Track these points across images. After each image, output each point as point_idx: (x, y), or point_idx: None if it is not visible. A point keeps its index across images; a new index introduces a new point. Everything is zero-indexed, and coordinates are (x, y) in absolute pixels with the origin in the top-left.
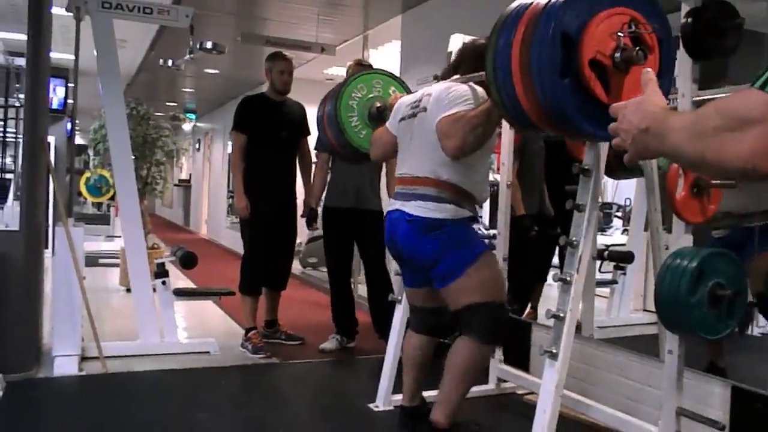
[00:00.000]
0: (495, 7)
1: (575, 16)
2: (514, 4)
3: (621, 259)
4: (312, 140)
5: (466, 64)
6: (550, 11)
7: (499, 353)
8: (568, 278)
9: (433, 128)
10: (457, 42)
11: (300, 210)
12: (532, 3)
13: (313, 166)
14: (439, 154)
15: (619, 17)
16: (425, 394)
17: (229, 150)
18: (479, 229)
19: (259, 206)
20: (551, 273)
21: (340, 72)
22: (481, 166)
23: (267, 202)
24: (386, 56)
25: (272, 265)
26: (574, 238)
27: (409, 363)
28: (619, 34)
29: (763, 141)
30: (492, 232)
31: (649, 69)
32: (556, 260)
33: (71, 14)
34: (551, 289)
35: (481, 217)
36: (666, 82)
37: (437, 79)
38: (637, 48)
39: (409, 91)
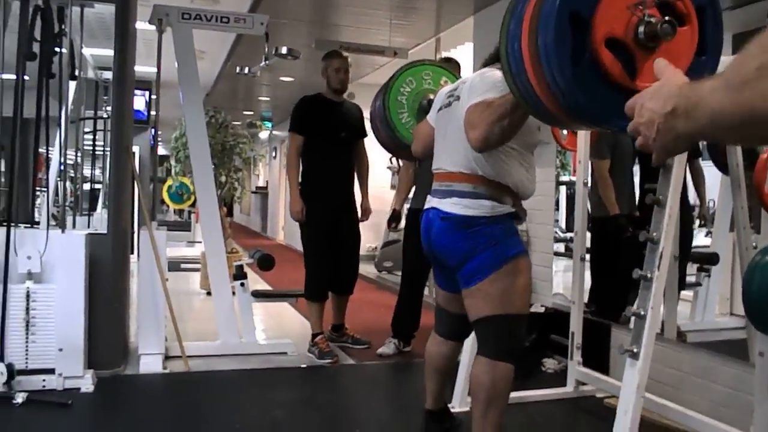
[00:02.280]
0: None
1: None
2: None
3: (705, 260)
4: (379, 148)
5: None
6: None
7: (577, 354)
8: (649, 275)
9: (462, 118)
10: None
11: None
12: None
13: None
14: (475, 153)
15: None
16: None
17: None
18: (520, 229)
19: (317, 209)
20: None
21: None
22: (522, 160)
23: (325, 205)
24: (460, 58)
25: (337, 269)
26: (654, 234)
27: (433, 368)
28: (639, 6)
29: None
30: (569, 235)
31: (661, 58)
32: None
33: (154, 27)
34: None
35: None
36: (710, 61)
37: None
38: (665, 19)
39: (456, 78)
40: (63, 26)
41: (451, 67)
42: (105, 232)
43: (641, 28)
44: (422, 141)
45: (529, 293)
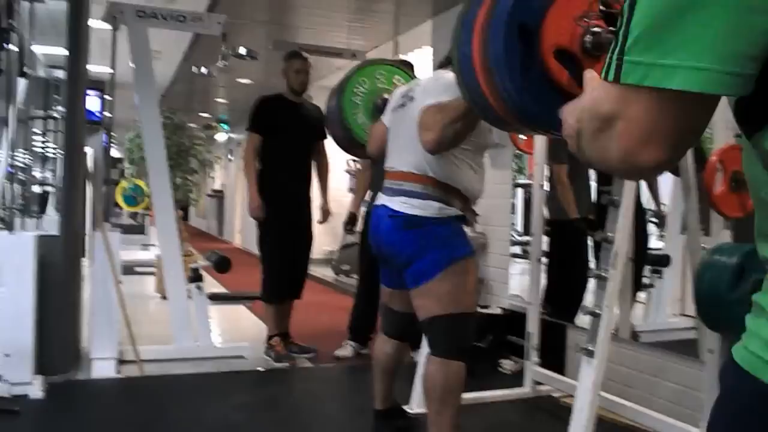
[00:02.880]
0: None
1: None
2: None
3: (657, 262)
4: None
5: None
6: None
7: (534, 355)
8: (604, 274)
9: (416, 119)
10: None
11: (315, 215)
12: None
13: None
14: (426, 154)
15: None
16: None
17: None
18: (468, 231)
19: (275, 209)
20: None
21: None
22: (472, 162)
23: (283, 205)
24: (418, 62)
25: (287, 273)
26: (609, 234)
27: (380, 368)
28: (585, 18)
29: (626, 136)
30: (526, 238)
31: (589, 69)
32: None
33: (108, 27)
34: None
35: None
36: None
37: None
38: (609, 29)
39: (411, 78)
40: (12, 21)
41: (406, 68)
42: (56, 233)
43: (587, 38)
44: (377, 141)
45: (476, 293)
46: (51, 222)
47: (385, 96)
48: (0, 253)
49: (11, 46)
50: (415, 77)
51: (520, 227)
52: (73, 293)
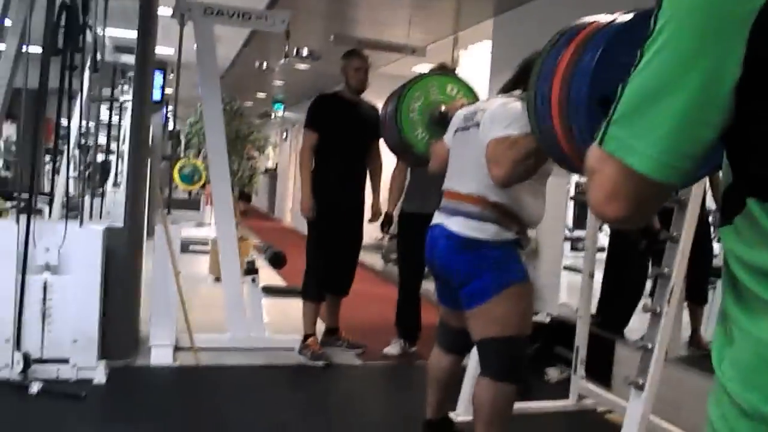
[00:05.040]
0: (594, 14)
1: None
2: (579, 21)
3: (712, 274)
4: None
5: (525, 78)
6: (589, 58)
7: (581, 369)
8: (658, 309)
9: (483, 147)
10: None
11: (367, 214)
12: (590, 23)
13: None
14: (488, 176)
15: None
16: None
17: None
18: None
19: (326, 209)
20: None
21: (427, 69)
22: (534, 189)
23: (334, 205)
24: (476, 57)
25: (336, 270)
26: (665, 269)
27: (435, 382)
28: None
29: (598, 189)
30: (577, 233)
31: None
32: None
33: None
34: None
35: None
36: None
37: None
38: None
39: (466, 85)
40: (87, 18)
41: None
42: (122, 225)
43: None
44: (439, 159)
45: (530, 317)
46: (113, 200)
47: (442, 107)
48: (70, 244)
49: (87, 40)
50: (463, 83)
51: (570, 222)
52: (134, 282)
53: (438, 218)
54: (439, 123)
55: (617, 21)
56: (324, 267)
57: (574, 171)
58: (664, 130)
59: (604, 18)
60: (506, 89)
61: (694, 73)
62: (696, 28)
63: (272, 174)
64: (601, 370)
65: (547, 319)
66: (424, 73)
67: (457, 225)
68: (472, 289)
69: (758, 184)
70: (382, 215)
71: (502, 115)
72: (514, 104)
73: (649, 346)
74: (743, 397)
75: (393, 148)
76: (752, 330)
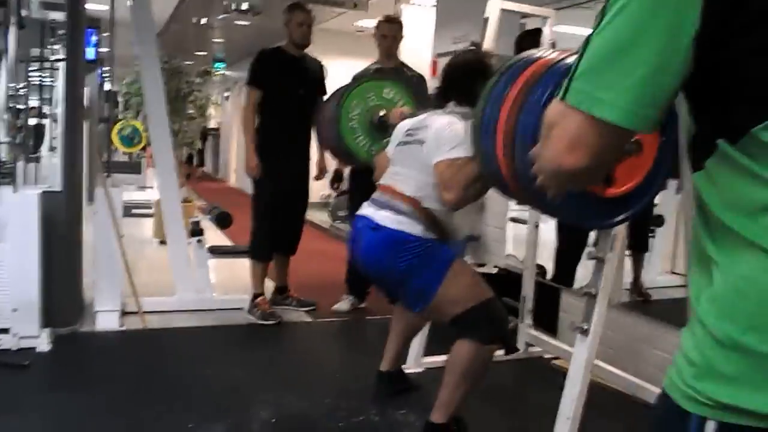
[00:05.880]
0: None
1: None
2: (525, 54)
3: (652, 223)
4: None
5: (455, 89)
6: (541, 89)
7: (528, 317)
8: (602, 256)
9: (428, 164)
10: (494, 7)
11: (313, 172)
12: (538, 59)
13: None
14: (427, 186)
15: None
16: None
17: None
18: None
19: (272, 167)
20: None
21: (370, 24)
22: (468, 208)
23: (280, 163)
24: (419, 10)
25: (283, 229)
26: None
27: (397, 335)
28: None
29: (558, 140)
30: None
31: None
32: None
33: None
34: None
35: None
36: (663, 169)
37: (471, 50)
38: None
39: (403, 87)
40: None
41: (394, 27)
42: (59, 189)
43: None
44: (382, 171)
45: (480, 281)
46: (49, 165)
47: (381, 113)
48: (5, 210)
49: None
50: (399, 85)
51: None
52: (75, 247)
53: (365, 209)
54: (379, 129)
55: (568, 61)
56: (271, 226)
57: (508, 195)
58: (631, 81)
59: (553, 55)
60: (438, 101)
61: (658, 27)
62: None
63: (215, 134)
64: (547, 319)
65: (495, 271)
66: (361, 78)
67: (384, 218)
68: (413, 290)
69: (725, 128)
70: (329, 172)
71: (447, 137)
72: (459, 125)
73: (593, 292)
74: (719, 328)
75: (334, 154)
76: (731, 266)
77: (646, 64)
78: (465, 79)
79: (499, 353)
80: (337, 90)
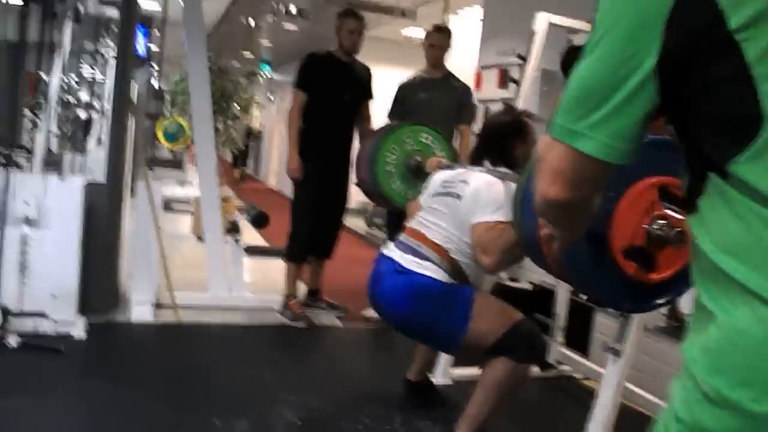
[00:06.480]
0: None
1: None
2: None
3: None
4: (383, 106)
5: (491, 150)
6: None
7: (560, 336)
8: None
9: (463, 220)
10: (542, 21)
11: (353, 177)
12: None
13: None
14: (458, 240)
15: (649, 192)
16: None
17: None
18: None
19: (313, 170)
20: None
21: (418, 33)
22: None
23: (321, 167)
24: (466, 21)
25: (320, 233)
26: None
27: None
28: (651, 221)
29: (543, 174)
30: None
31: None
32: None
33: None
34: None
35: None
36: None
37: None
38: (676, 229)
39: (440, 134)
40: None
41: (443, 36)
42: (103, 181)
43: (653, 233)
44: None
45: (506, 307)
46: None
47: (417, 158)
48: (50, 198)
49: None
50: (436, 133)
51: None
52: (114, 238)
53: (390, 251)
54: (415, 173)
55: None
56: (308, 229)
57: (548, 271)
58: (600, 116)
59: None
60: (475, 156)
61: (624, 67)
62: (623, 31)
63: (257, 136)
64: (579, 338)
65: (529, 287)
66: (399, 123)
67: (411, 263)
68: (442, 335)
69: (710, 163)
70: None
71: (488, 198)
72: (499, 187)
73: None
74: (709, 382)
75: (369, 195)
76: (726, 318)
77: (613, 100)
78: (501, 141)
79: (535, 369)
80: (378, 130)
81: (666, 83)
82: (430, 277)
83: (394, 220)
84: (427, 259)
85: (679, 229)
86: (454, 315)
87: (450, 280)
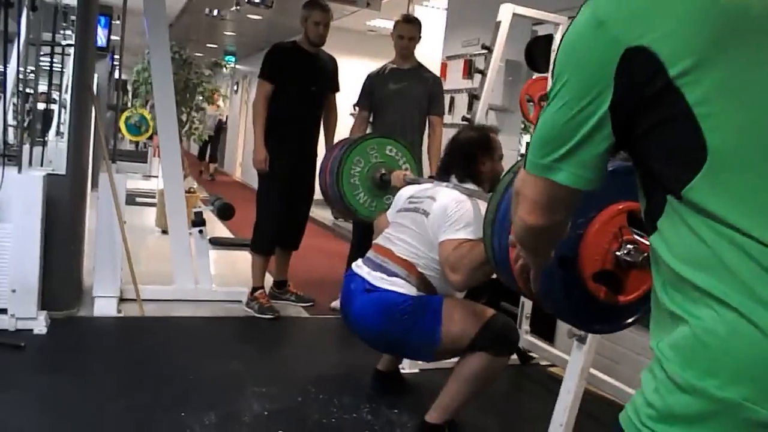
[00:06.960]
0: None
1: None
2: None
3: None
4: (347, 97)
5: (457, 165)
6: None
7: (525, 324)
8: None
9: (430, 236)
10: (506, 12)
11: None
12: None
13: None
14: (425, 255)
15: (617, 218)
16: None
17: None
18: None
19: (279, 161)
20: None
21: (383, 24)
22: None
23: (287, 158)
24: (432, 12)
25: (286, 224)
26: None
27: None
28: (620, 246)
29: (521, 204)
30: None
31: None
32: None
33: None
34: None
35: None
36: None
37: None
38: (643, 254)
39: (405, 147)
40: None
41: (412, 27)
42: (63, 173)
43: (621, 258)
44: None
45: (476, 305)
46: (55, 150)
47: (383, 170)
48: (9, 191)
49: None
50: (402, 145)
51: None
52: (77, 231)
53: (359, 268)
54: (380, 186)
55: None
56: (275, 220)
57: (518, 292)
58: (565, 150)
59: None
60: (441, 171)
61: (583, 112)
62: (578, 82)
63: (222, 127)
64: (545, 326)
65: (494, 275)
66: (365, 135)
67: (378, 279)
68: (416, 345)
69: (666, 187)
70: None
71: (455, 215)
72: (467, 204)
73: None
74: (680, 374)
75: (334, 206)
76: (693, 321)
77: (575, 139)
78: (468, 156)
79: (514, 358)
80: (343, 141)
81: (620, 124)
82: (397, 293)
83: (359, 232)
84: (395, 275)
85: (646, 254)
86: (425, 322)
87: (419, 293)
